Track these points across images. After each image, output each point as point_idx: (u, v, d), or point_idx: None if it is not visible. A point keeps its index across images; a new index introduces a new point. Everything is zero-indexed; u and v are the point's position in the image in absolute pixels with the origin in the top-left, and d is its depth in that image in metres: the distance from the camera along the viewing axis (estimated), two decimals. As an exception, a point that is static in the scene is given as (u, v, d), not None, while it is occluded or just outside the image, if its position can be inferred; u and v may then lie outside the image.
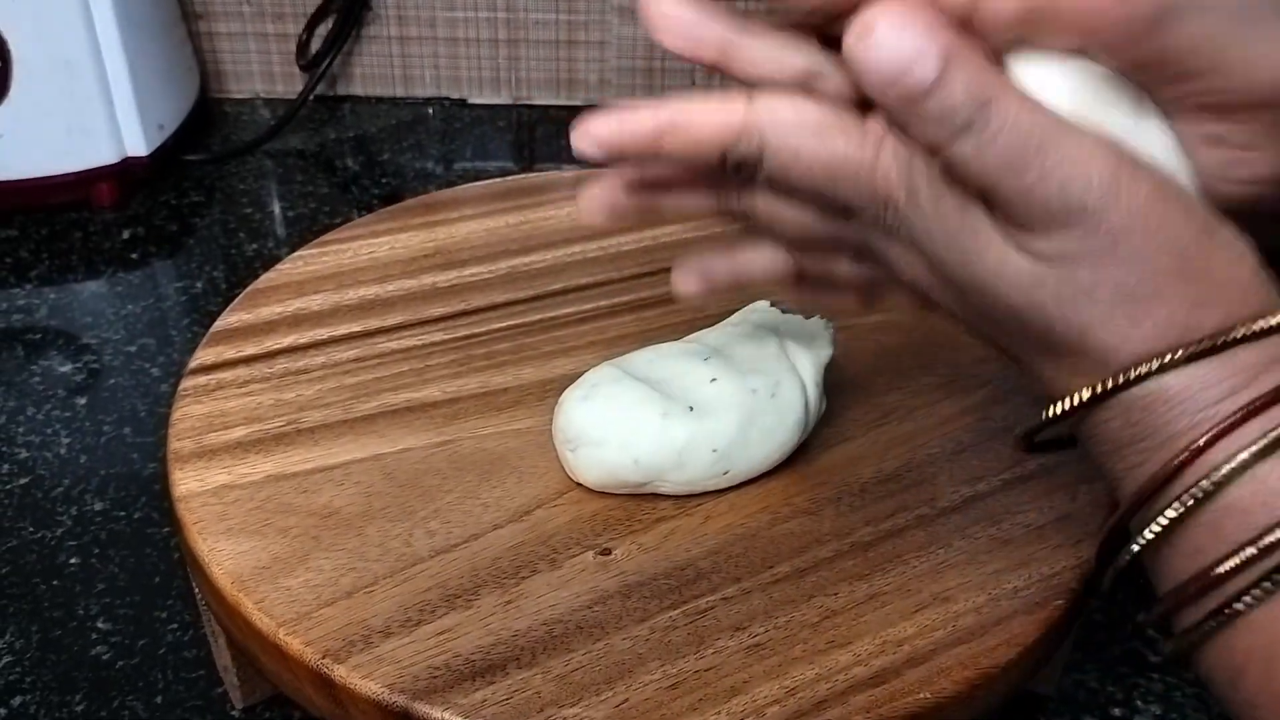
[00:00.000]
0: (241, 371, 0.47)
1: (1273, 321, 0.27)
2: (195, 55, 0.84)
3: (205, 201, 0.77)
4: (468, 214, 0.58)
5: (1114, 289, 0.28)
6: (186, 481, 0.42)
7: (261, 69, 0.88)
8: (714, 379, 0.41)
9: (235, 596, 0.38)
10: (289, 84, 0.88)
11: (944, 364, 0.49)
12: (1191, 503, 0.28)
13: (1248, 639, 0.28)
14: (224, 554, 0.39)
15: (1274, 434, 0.27)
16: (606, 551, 0.39)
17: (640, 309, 0.52)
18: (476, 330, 0.50)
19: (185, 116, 0.80)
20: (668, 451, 0.40)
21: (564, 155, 0.83)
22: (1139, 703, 0.45)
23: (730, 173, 0.32)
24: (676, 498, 0.41)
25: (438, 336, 0.49)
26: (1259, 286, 0.28)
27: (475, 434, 0.44)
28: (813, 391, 0.42)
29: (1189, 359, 0.27)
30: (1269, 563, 0.27)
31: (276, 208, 0.77)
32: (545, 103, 0.89)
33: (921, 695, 0.35)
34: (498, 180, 0.62)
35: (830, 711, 0.34)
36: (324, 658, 0.35)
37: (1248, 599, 0.27)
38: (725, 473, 0.41)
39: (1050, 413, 0.30)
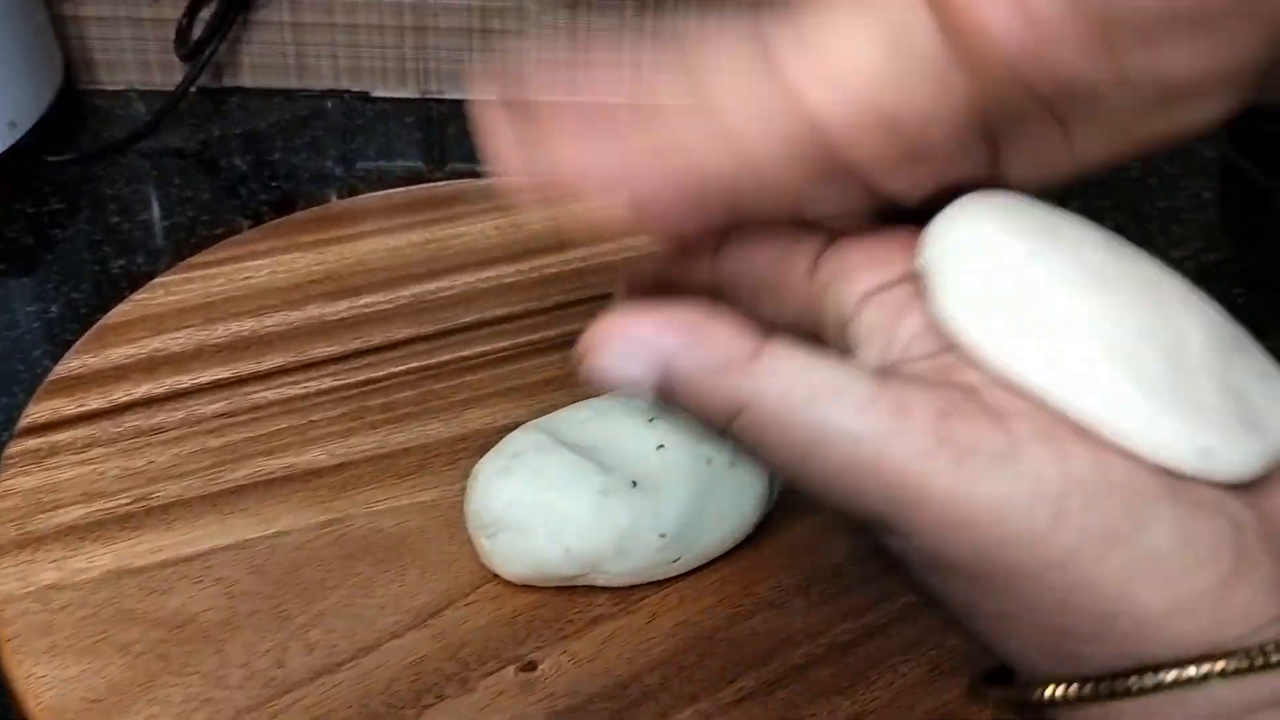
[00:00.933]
0: (81, 432, 0.39)
1: None
2: (58, 42, 0.74)
3: (68, 209, 0.67)
4: (365, 230, 0.50)
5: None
6: (4, 580, 0.33)
7: (136, 58, 0.78)
8: (661, 445, 0.34)
9: (56, 741, 0.29)
10: (168, 75, 0.78)
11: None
12: None
13: None
14: (45, 681, 0.31)
15: None
16: (530, 666, 0.32)
17: (568, 346, 0.44)
18: (373, 375, 0.42)
19: (45, 111, 0.70)
20: (606, 538, 0.33)
21: (478, 155, 0.75)
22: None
23: None
24: (616, 590, 0.34)
25: (325, 384, 0.41)
26: None
27: (369, 510, 0.36)
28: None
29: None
30: None
31: (151, 215, 0.68)
32: (457, 97, 0.81)
33: None
34: (399, 190, 0.54)
35: None
36: (167, 827, 0.28)
37: None
38: (675, 560, 0.34)
39: (1052, 693, 0.22)
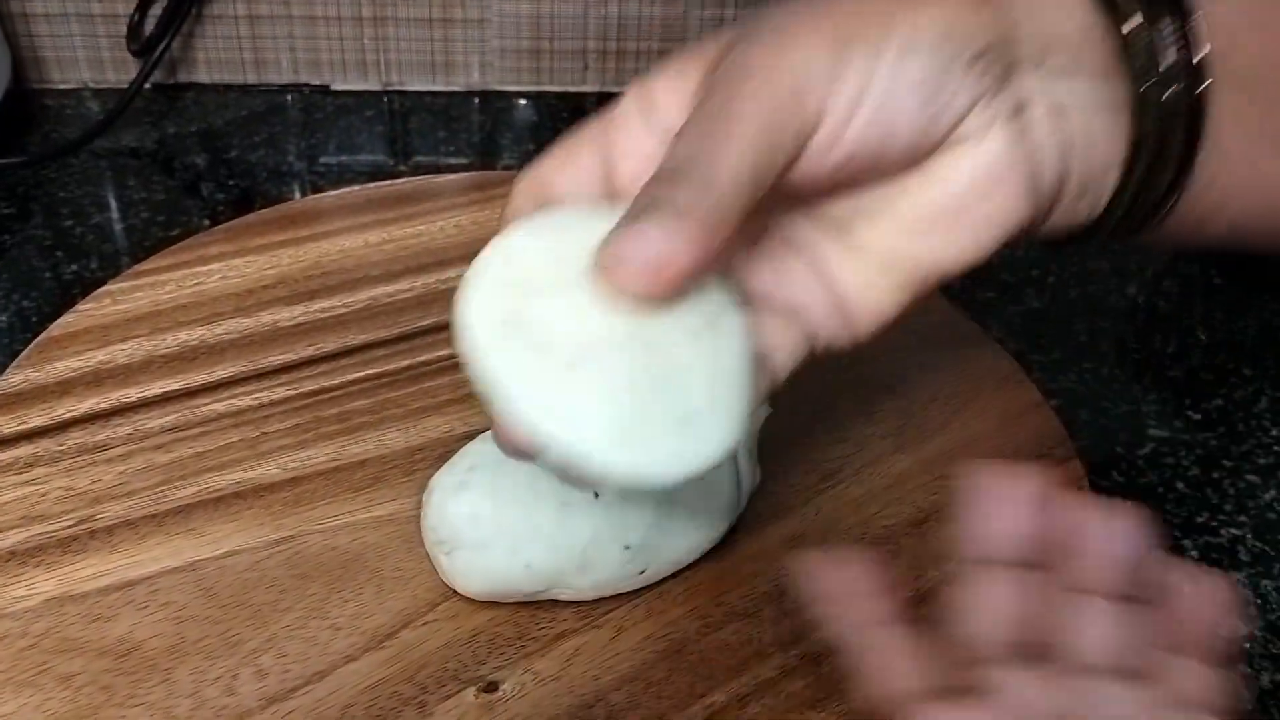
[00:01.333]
0: (23, 451, 0.37)
1: None
2: (5, 40, 0.72)
3: (18, 214, 0.65)
4: (320, 231, 0.49)
5: None
6: (-61, 610, 0.32)
7: (88, 54, 0.76)
8: None
9: (-7, 781, 0.28)
10: (121, 71, 0.76)
11: (891, 408, 0.41)
12: None
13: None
14: (-19, 718, 0.29)
15: None
16: (492, 687, 0.31)
17: (529, 348, 0.43)
18: (328, 384, 0.41)
19: (-9, 112, 0.68)
20: (569, 552, 0.32)
21: (443, 149, 0.74)
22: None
23: None
24: (581, 604, 0.33)
25: (278, 394, 0.40)
26: None
27: (323, 526, 0.35)
28: (745, 463, 0.34)
29: None
30: None
31: (106, 218, 0.66)
32: (419, 88, 0.79)
33: None
34: (355, 189, 0.52)
35: None
36: None
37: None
38: (641, 571, 0.33)
39: None
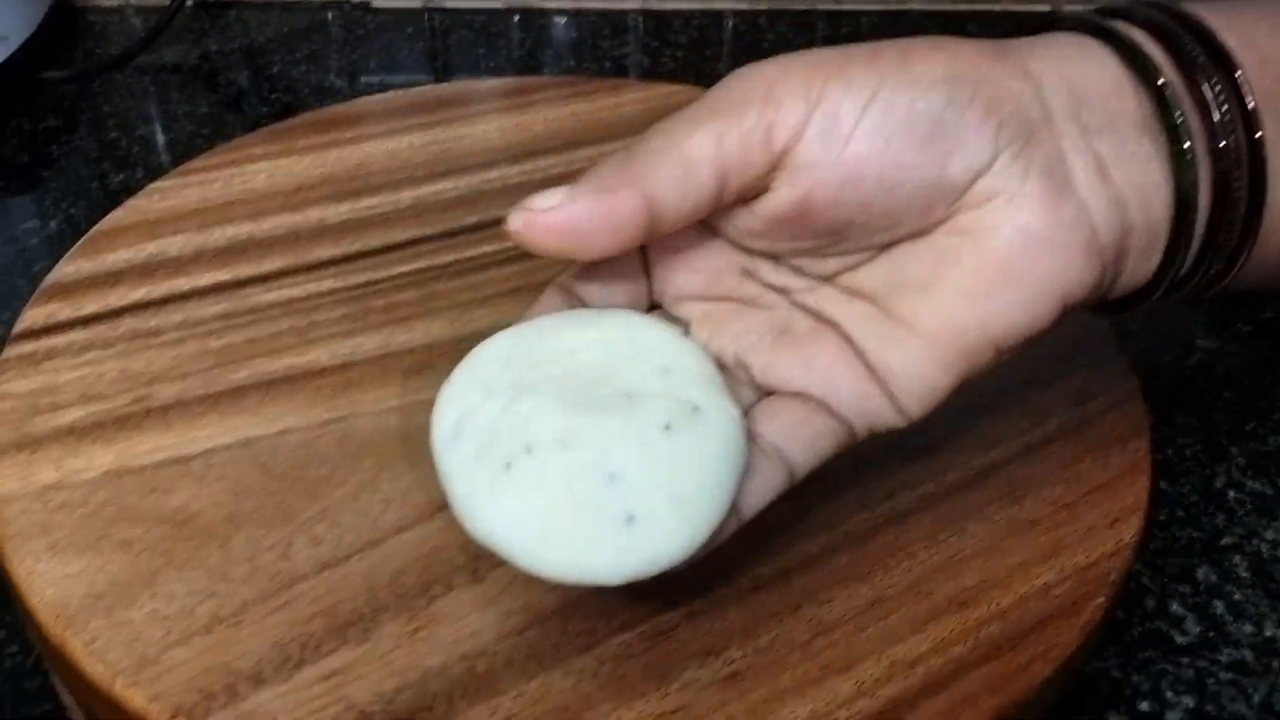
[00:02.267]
0: (78, 335, 0.38)
1: None
2: (49, -45, 0.72)
3: (64, 126, 0.66)
4: (364, 133, 0.49)
5: None
6: (3, 482, 0.33)
7: (130, -29, 0.76)
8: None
9: (60, 635, 0.29)
10: (163, -12, 0.76)
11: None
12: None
13: None
14: (46, 578, 0.30)
15: None
16: (540, 557, 0.31)
17: (574, 244, 0.43)
18: (375, 276, 0.41)
19: (37, 27, 0.69)
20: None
21: (483, 65, 0.73)
22: (1169, 694, 0.39)
23: None
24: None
25: (326, 285, 0.40)
26: None
27: (374, 409, 0.35)
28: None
29: None
30: None
31: (149, 131, 0.67)
32: (459, 5, 0.79)
33: (944, 734, 0.28)
34: (399, 93, 0.52)
35: (832, 764, 0.27)
36: (175, 717, 0.27)
37: None
38: None
39: None
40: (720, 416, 0.27)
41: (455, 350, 0.38)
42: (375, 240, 0.43)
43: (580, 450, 0.26)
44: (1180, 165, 0.26)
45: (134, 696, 0.28)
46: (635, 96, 0.52)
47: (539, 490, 0.26)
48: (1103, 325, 0.40)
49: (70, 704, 0.35)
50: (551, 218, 0.26)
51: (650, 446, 0.26)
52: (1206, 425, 0.49)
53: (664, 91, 0.53)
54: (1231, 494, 0.46)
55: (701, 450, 0.26)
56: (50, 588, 0.30)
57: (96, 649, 0.28)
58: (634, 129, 0.50)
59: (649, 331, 0.29)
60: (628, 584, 0.26)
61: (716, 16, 0.80)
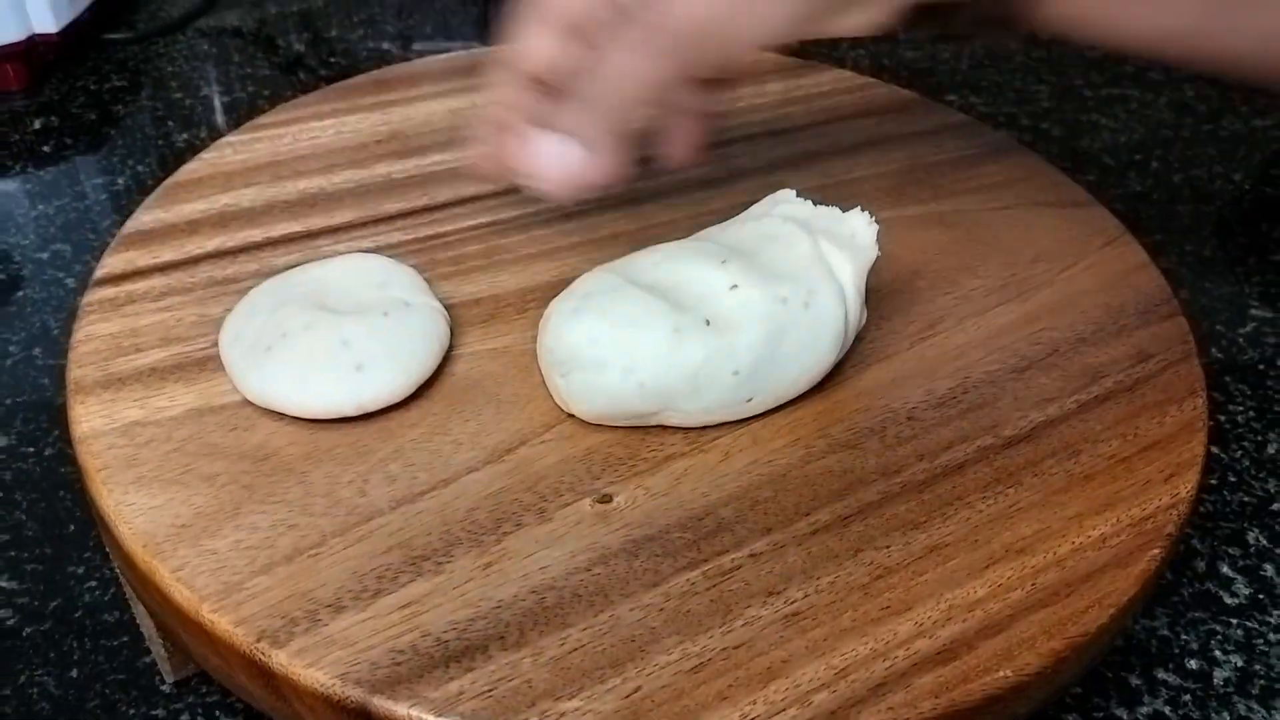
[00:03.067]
0: (157, 282, 0.39)
1: None
2: (114, -81, 0.74)
3: (129, 86, 0.67)
4: (427, 92, 0.50)
5: None
6: (90, 418, 0.34)
7: (191, -65, 0.77)
8: (734, 285, 0.34)
9: (148, 563, 0.30)
10: (223, -47, 0.77)
11: (995, 264, 0.41)
12: None
13: None
14: (134, 509, 0.31)
15: None
16: (606, 499, 0.32)
17: (636, 203, 0.44)
18: (441, 230, 0.42)
19: (102, -12, 0.70)
20: (680, 374, 0.33)
21: (536, 32, 0.74)
22: (1217, 653, 0.39)
23: None
24: (689, 430, 0.34)
25: (394, 238, 0.41)
26: None
27: (445, 355, 0.36)
28: (853, 301, 0.35)
29: None
30: None
31: (211, 92, 0.68)
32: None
33: (1000, 674, 0.28)
34: (461, 54, 0.53)
35: (891, 697, 0.28)
36: (259, 640, 0.28)
37: None
38: (749, 400, 0.34)
39: None
40: (424, 309, 0.36)
41: (520, 301, 0.39)
42: (441, 195, 0.44)
43: (321, 331, 0.34)
44: None
45: (220, 621, 0.29)
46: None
47: (293, 357, 0.34)
48: (1161, 289, 0.41)
49: (150, 634, 0.36)
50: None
51: (373, 326, 0.35)
52: (1260, 393, 0.49)
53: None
54: (1284, 459, 0.46)
55: (409, 326, 0.35)
56: (138, 518, 0.31)
57: (184, 576, 0.30)
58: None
59: (371, 261, 0.38)
60: (360, 413, 0.34)
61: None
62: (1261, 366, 0.51)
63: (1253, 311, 0.54)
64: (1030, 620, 0.29)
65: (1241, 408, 0.49)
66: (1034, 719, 0.30)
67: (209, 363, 0.36)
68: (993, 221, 0.43)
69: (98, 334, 0.37)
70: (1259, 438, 0.47)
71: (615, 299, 0.34)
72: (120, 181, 0.60)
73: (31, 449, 0.45)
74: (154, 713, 0.36)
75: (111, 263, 0.40)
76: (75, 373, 0.36)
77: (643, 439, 0.34)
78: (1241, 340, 0.52)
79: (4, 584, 0.40)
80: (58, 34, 0.65)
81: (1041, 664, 0.29)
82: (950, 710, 0.28)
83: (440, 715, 0.27)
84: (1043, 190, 0.46)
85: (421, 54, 0.72)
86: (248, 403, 0.35)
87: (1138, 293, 0.41)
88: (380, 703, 0.27)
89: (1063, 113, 0.68)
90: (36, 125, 0.64)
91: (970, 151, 0.48)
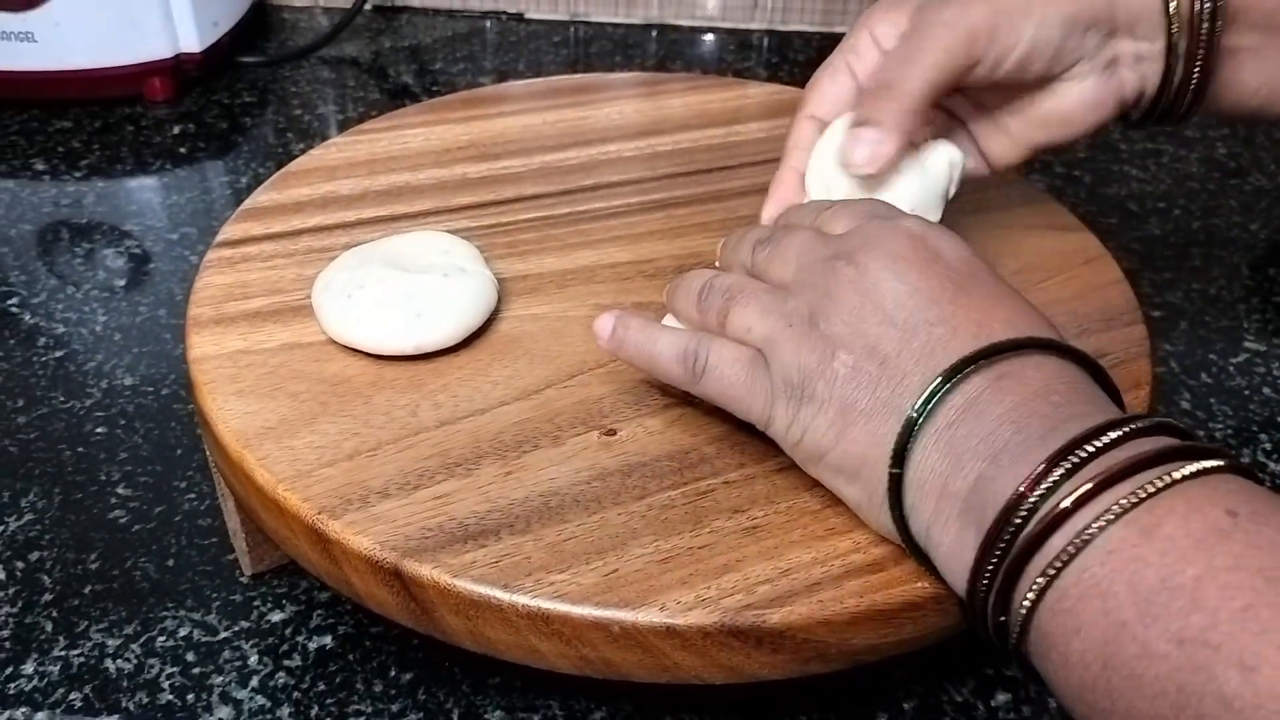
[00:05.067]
0: (266, 247, 0.47)
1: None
2: (256, -40, 0.84)
3: (257, 102, 0.77)
4: (507, 110, 0.58)
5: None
6: (202, 345, 0.42)
7: (321, -23, 0.88)
8: None
9: (239, 453, 0.38)
10: (347, -8, 0.87)
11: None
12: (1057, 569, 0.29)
13: (1040, 641, 0.30)
14: (232, 413, 0.39)
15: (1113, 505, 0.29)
16: (611, 432, 0.39)
17: (671, 207, 0.51)
18: (502, 220, 0.49)
19: (241, 17, 0.80)
20: None
21: (618, 71, 0.82)
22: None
23: None
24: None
25: (462, 224, 0.49)
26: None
27: (490, 316, 0.44)
28: None
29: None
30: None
31: (327, 111, 0.77)
32: (602, 19, 0.88)
33: (919, 585, 0.34)
34: (540, 80, 0.61)
35: (822, 594, 0.33)
36: (320, 513, 0.35)
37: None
38: None
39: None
40: (478, 276, 0.44)
41: (560, 279, 0.46)
42: (506, 192, 0.51)
43: (392, 284, 0.42)
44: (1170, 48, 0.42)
45: (291, 498, 0.36)
46: (747, 93, 0.60)
47: (367, 303, 0.41)
48: (1128, 301, 0.46)
49: (235, 529, 0.44)
50: (871, 160, 0.42)
51: (434, 284, 0.42)
52: (1241, 414, 0.54)
53: (780, 92, 0.60)
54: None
55: (464, 287, 0.43)
56: (234, 420, 0.39)
57: (266, 463, 0.37)
58: (738, 119, 0.57)
59: (440, 237, 0.46)
60: (419, 353, 0.41)
61: (836, 38, 0.87)
62: (1247, 392, 0.55)
63: (1246, 343, 0.58)
64: (953, 548, 0.35)
65: (1221, 425, 0.53)
66: (982, 664, 0.35)
67: (302, 310, 0.44)
68: (985, 237, 0.49)
69: (214, 283, 0.45)
70: (1234, 451, 0.51)
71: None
72: (242, 181, 0.69)
73: (151, 389, 0.53)
74: (232, 598, 0.43)
75: (230, 230, 0.48)
76: (194, 311, 0.44)
77: (649, 390, 0.41)
78: (1232, 368, 0.56)
79: (121, 491, 0.48)
80: (201, 53, 0.75)
81: (957, 581, 0.34)
82: (872, 609, 0.33)
83: (455, 577, 0.34)
84: (1037, 215, 0.51)
85: (513, 87, 0.80)
86: (329, 341, 0.42)
87: (1107, 304, 0.46)
88: (410, 565, 0.34)
89: (1095, 162, 0.73)
90: (175, 131, 0.73)
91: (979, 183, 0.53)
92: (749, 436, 0.39)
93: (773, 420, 0.36)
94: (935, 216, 0.42)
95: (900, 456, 0.32)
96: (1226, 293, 0.62)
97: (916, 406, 0.32)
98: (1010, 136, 0.45)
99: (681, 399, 0.40)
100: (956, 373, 0.32)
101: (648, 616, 0.33)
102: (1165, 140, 0.75)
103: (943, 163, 0.43)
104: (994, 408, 0.31)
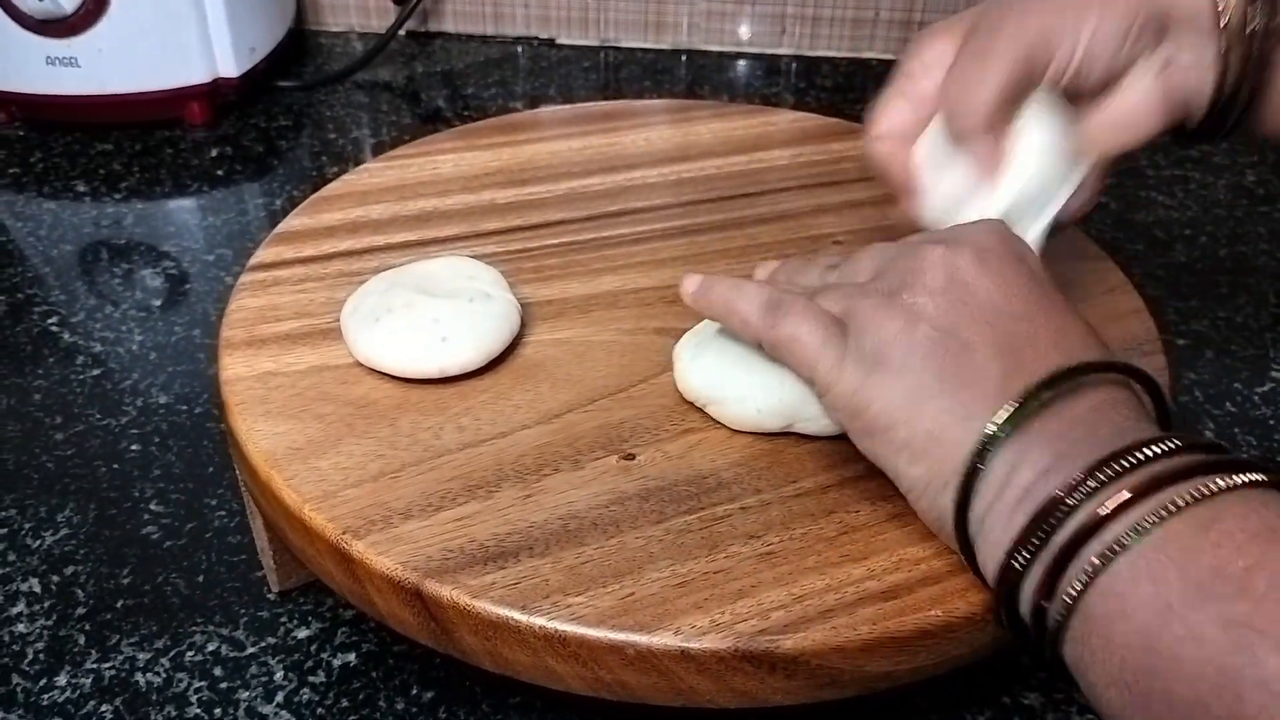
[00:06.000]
0: (298, 270, 0.48)
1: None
2: (293, -14, 0.86)
3: (293, 126, 0.79)
4: (534, 137, 0.59)
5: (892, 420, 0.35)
6: (234, 366, 0.43)
7: (356, 2, 0.89)
8: None
9: (267, 473, 0.39)
10: (382, 18, 0.89)
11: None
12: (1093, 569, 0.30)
13: (1084, 625, 0.31)
14: (261, 434, 0.40)
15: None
16: (630, 456, 0.39)
17: (695, 233, 0.51)
18: (529, 245, 0.50)
19: (278, 43, 0.82)
20: (785, 394, 0.39)
21: (648, 97, 0.83)
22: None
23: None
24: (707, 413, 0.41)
25: (490, 248, 0.50)
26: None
27: (514, 341, 0.44)
28: None
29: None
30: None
31: (360, 135, 0.79)
32: (633, 45, 0.89)
33: (932, 613, 0.34)
34: (569, 106, 0.62)
35: (836, 620, 0.34)
36: (344, 534, 0.36)
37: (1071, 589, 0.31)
38: None
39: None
40: (502, 301, 0.44)
41: (584, 304, 0.47)
42: (533, 218, 0.52)
43: (419, 309, 0.43)
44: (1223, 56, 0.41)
45: (316, 518, 0.37)
46: (772, 120, 0.60)
47: (394, 327, 0.42)
48: (1148, 330, 0.46)
49: (263, 548, 0.45)
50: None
51: (459, 309, 0.43)
52: (1265, 444, 0.54)
53: (803, 119, 0.61)
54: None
55: (489, 312, 0.43)
56: (264, 440, 0.40)
57: (293, 483, 0.38)
58: (762, 146, 0.58)
59: (465, 262, 0.47)
60: (443, 376, 0.42)
61: (863, 64, 0.87)
62: (1272, 422, 0.55)
63: (1273, 373, 0.58)
64: (966, 577, 0.35)
65: (1244, 451, 0.53)
66: (999, 693, 0.36)
67: (331, 333, 0.45)
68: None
69: (247, 306, 0.46)
70: (1255, 482, 0.51)
71: (721, 340, 0.41)
72: (278, 203, 0.70)
73: (185, 407, 0.54)
74: (259, 614, 0.44)
75: (263, 255, 0.49)
76: (226, 333, 0.45)
77: (669, 416, 0.41)
78: (1257, 397, 0.56)
79: (154, 507, 0.49)
80: (238, 78, 0.76)
81: (969, 610, 0.34)
82: (885, 636, 0.34)
83: (475, 598, 0.34)
84: (1058, 242, 0.51)
85: (544, 111, 0.81)
86: (357, 364, 0.43)
87: (1125, 332, 0.46)
88: (431, 586, 0.35)
89: (1123, 189, 0.73)
90: (213, 153, 0.75)
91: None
92: (766, 463, 0.39)
93: (836, 384, 0.36)
94: (1045, 219, 0.42)
95: (983, 453, 0.33)
96: (1253, 321, 0.61)
97: (1004, 416, 0.33)
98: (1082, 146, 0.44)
99: (700, 425, 0.41)
100: (1055, 383, 0.33)
101: (662, 640, 0.33)
102: (1193, 167, 0.75)
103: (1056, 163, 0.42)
104: (1068, 410, 0.33)
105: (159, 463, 0.51)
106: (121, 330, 0.59)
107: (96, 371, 0.56)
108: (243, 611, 0.44)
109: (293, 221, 0.52)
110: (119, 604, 0.45)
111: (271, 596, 0.45)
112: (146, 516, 0.48)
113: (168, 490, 0.50)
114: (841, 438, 0.40)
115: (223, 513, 0.49)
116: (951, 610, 0.34)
